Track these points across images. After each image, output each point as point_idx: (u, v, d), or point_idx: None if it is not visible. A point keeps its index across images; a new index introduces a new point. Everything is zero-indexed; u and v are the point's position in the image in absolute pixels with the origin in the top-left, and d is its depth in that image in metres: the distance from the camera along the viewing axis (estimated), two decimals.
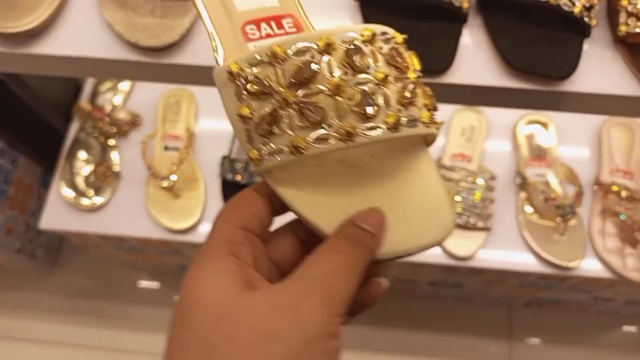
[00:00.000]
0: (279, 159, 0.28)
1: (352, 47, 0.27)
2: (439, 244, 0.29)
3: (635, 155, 0.95)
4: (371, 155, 0.31)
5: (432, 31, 0.49)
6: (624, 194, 0.88)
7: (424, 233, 0.29)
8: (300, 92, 0.27)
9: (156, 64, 0.48)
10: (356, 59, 0.27)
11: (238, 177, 0.91)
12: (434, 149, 0.97)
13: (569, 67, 0.46)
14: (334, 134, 0.27)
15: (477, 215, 0.88)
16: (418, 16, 0.49)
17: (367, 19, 0.50)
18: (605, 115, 0.83)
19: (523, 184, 0.90)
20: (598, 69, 0.48)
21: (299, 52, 0.27)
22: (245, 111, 0.28)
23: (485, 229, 0.89)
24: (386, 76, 0.28)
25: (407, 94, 0.28)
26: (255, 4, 0.32)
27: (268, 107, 0.27)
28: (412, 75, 0.29)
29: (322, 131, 0.27)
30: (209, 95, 0.72)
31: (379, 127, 0.27)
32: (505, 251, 0.90)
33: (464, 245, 0.88)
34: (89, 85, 1.06)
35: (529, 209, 0.91)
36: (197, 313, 0.24)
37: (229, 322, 0.23)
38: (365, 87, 0.27)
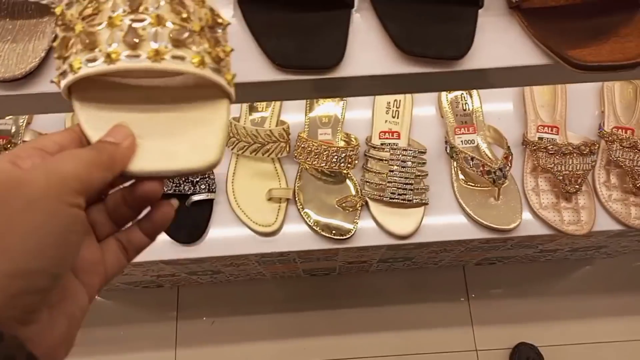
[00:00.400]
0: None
1: None
2: (192, 172, 0.33)
3: (560, 108, 0.95)
4: (172, 98, 0.35)
5: (318, 23, 0.46)
6: (552, 149, 0.88)
7: (182, 160, 0.32)
8: (85, 24, 0.32)
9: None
10: (134, 2, 0.32)
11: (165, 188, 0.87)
12: (363, 126, 0.95)
13: (464, 45, 0.44)
14: (101, 57, 0.32)
15: (412, 192, 0.87)
16: (301, 7, 0.46)
17: (246, 15, 0.47)
18: (509, 87, 0.83)
19: (453, 153, 0.89)
20: (494, 40, 0.46)
21: None
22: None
23: (422, 203, 0.88)
24: (158, 17, 0.32)
25: (179, 37, 0.33)
26: None
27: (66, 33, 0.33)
28: (195, 26, 0.34)
29: (92, 54, 0.32)
30: None
31: (141, 55, 0.31)
32: (445, 222, 0.89)
33: (404, 224, 0.87)
34: None
35: (462, 177, 0.91)
36: None
37: None
38: (138, 24, 0.32)
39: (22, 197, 0.25)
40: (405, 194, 0.87)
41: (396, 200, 0.87)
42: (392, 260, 1.12)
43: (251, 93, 0.47)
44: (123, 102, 0.34)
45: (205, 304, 1.35)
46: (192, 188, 0.88)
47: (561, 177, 0.87)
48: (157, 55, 0.32)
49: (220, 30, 0.36)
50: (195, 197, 0.88)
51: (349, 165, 0.88)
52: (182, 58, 0.32)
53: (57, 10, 0.34)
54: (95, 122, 0.33)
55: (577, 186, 0.86)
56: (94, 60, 0.31)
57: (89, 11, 0.32)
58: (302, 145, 0.88)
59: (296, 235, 0.89)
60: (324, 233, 0.87)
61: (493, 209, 0.88)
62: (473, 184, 0.90)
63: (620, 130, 0.93)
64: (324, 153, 0.87)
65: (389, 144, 0.91)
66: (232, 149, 0.90)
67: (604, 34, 0.46)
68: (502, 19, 0.48)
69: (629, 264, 1.37)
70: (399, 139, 0.93)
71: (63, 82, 0.32)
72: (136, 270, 1.04)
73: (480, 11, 0.47)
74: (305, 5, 0.46)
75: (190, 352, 1.31)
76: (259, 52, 0.45)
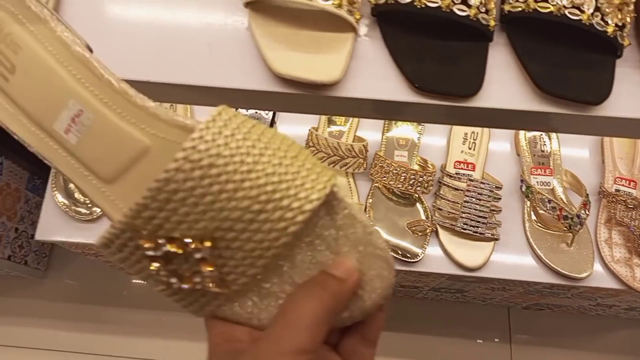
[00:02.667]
0: None
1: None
2: (319, 83, 0.44)
3: (638, 163, 0.94)
4: (316, 22, 0.47)
5: (458, 51, 0.46)
6: (631, 203, 0.87)
7: (315, 73, 0.44)
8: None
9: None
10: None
11: None
12: (437, 153, 0.95)
13: (604, 91, 0.44)
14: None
15: (484, 225, 0.87)
16: (440, 34, 0.47)
17: (386, 37, 0.48)
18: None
19: (528, 192, 0.89)
20: (630, 91, 0.46)
21: None
22: None
23: (493, 238, 0.88)
24: None
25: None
26: None
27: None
28: None
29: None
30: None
31: None
32: (513, 260, 0.89)
33: (473, 256, 0.87)
34: None
35: (535, 217, 0.90)
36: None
37: None
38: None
39: None
40: (478, 227, 0.87)
41: (467, 232, 0.87)
42: (444, 290, 1.11)
43: (381, 110, 0.48)
44: (280, 19, 0.45)
45: None
46: None
47: (638, 233, 0.85)
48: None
49: None
50: None
51: (424, 190, 0.89)
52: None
53: None
54: (263, 29, 0.45)
55: None
56: None
57: None
58: (381, 164, 0.89)
59: None
60: (391, 253, 0.88)
61: (564, 255, 0.87)
62: (546, 227, 0.89)
63: None
64: (402, 175, 0.88)
65: (464, 174, 0.92)
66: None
67: None
68: (638, 71, 0.48)
69: None
70: (473, 170, 0.93)
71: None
72: None
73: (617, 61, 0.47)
74: (445, 32, 0.47)
75: None
76: (397, 74, 0.46)
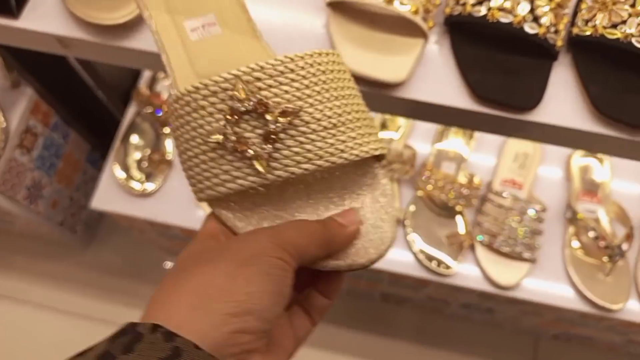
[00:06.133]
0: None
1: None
2: (385, 83, 0.46)
3: None
4: (391, 25, 0.48)
5: (522, 66, 0.48)
6: None
7: (383, 72, 0.46)
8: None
9: None
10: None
11: None
12: (484, 170, 0.96)
13: None
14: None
15: (523, 245, 0.87)
16: (508, 48, 0.49)
17: (455, 45, 0.50)
18: None
19: (573, 219, 0.89)
20: None
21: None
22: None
23: (531, 260, 0.88)
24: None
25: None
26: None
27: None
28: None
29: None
30: None
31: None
32: (547, 284, 0.89)
33: (507, 274, 0.88)
34: (148, 71, 1.08)
35: (576, 244, 0.90)
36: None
37: (199, 251, 0.32)
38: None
39: (248, 250, 0.29)
40: (517, 246, 0.87)
41: (505, 250, 0.87)
42: (474, 307, 1.12)
43: (440, 114, 0.50)
44: (357, 20, 0.48)
45: None
46: None
47: None
48: (390, 0, 0.45)
49: None
50: None
51: (467, 203, 0.90)
52: (404, 4, 0.46)
53: None
54: (341, 27, 0.48)
55: None
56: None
57: None
58: (428, 174, 0.91)
59: (398, 257, 0.91)
60: (425, 263, 0.89)
61: (601, 284, 0.87)
62: (586, 254, 0.89)
63: None
64: (447, 186, 0.90)
65: (511, 192, 0.92)
66: None
67: None
68: None
69: None
70: (520, 189, 0.94)
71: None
72: None
73: None
74: (513, 46, 0.49)
75: None
76: (461, 82, 0.49)
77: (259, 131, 0.31)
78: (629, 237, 0.85)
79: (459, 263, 0.89)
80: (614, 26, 0.46)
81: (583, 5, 0.48)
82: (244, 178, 0.32)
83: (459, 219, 0.93)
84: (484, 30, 0.48)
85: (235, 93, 0.31)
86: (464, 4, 0.48)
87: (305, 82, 0.32)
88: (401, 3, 0.46)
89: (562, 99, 0.48)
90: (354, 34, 0.49)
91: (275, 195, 0.35)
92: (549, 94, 0.48)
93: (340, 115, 0.32)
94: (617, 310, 0.85)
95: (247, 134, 0.31)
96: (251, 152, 0.31)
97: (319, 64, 0.33)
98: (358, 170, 0.36)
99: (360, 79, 0.48)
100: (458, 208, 0.92)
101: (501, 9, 0.46)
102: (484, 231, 0.90)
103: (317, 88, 0.32)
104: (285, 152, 0.31)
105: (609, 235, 0.89)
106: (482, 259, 0.89)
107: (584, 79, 0.48)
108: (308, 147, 0.31)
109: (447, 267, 0.89)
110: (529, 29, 0.46)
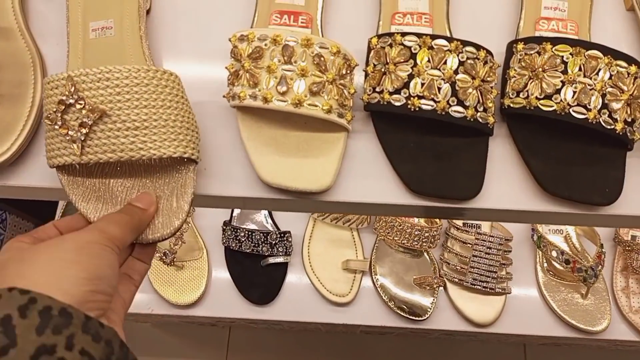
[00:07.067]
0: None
1: (288, 43, 0.42)
2: (309, 192, 0.43)
3: None
4: (303, 124, 0.45)
5: (455, 148, 0.44)
6: None
7: (303, 181, 0.43)
8: (252, 63, 0.43)
9: None
10: (287, 53, 0.42)
11: (242, 246, 0.87)
12: None
13: (613, 192, 0.41)
14: (260, 96, 0.42)
15: (494, 280, 0.84)
16: (437, 130, 0.44)
17: (379, 133, 0.45)
18: None
19: (539, 243, 0.86)
20: None
21: (261, 39, 0.43)
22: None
23: (504, 292, 0.84)
24: (303, 69, 0.42)
25: (315, 87, 0.41)
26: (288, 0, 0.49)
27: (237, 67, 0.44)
28: (329, 75, 0.42)
29: (253, 91, 0.42)
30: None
31: (287, 101, 0.41)
32: (526, 314, 0.86)
33: (484, 312, 0.84)
34: None
35: (548, 267, 0.87)
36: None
37: (21, 248, 0.35)
38: (287, 72, 0.42)
39: (84, 239, 0.35)
40: (488, 282, 0.84)
41: (477, 287, 0.84)
42: (457, 333, 1.08)
43: (376, 211, 0.46)
44: (269, 120, 0.45)
45: (255, 349, 1.33)
46: (270, 250, 0.87)
47: None
48: (298, 103, 0.41)
49: (348, 76, 0.44)
50: (272, 260, 0.87)
51: (430, 244, 0.86)
52: (315, 105, 0.42)
53: (232, 40, 0.44)
54: (251, 132, 0.44)
55: None
56: (254, 97, 0.42)
57: (255, 54, 0.42)
58: (385, 219, 0.87)
59: (369, 309, 0.87)
60: (398, 311, 0.85)
61: (579, 307, 0.84)
62: (559, 277, 0.86)
63: None
64: (407, 231, 0.85)
65: (473, 225, 0.89)
66: (312, 213, 0.89)
67: None
68: None
69: None
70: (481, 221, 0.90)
71: (231, 102, 0.44)
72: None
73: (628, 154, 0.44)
74: (442, 129, 0.44)
75: None
76: (392, 174, 0.44)
77: (78, 121, 0.39)
78: (599, 256, 0.82)
79: (433, 304, 0.85)
80: (548, 97, 0.41)
81: (511, 72, 0.44)
82: (67, 156, 0.40)
83: (425, 256, 0.89)
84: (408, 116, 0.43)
85: (65, 89, 0.39)
86: (381, 92, 0.43)
87: (118, 89, 0.39)
88: (310, 104, 0.41)
89: (504, 178, 0.44)
90: (266, 138, 0.44)
91: (106, 177, 0.43)
92: (490, 172, 0.44)
93: (145, 120, 0.39)
94: (600, 331, 0.83)
95: (72, 122, 0.39)
96: (71, 134, 0.39)
97: (136, 78, 0.40)
98: (174, 169, 0.42)
99: (281, 189, 0.43)
100: (423, 248, 0.88)
101: (421, 96, 0.41)
102: (451, 269, 0.86)
103: (127, 96, 0.39)
104: (96, 142, 0.39)
105: (580, 253, 0.86)
106: (456, 298, 0.85)
107: (523, 153, 0.44)
108: (113, 140, 0.39)
109: (422, 311, 0.85)
110: (455, 113, 0.41)
